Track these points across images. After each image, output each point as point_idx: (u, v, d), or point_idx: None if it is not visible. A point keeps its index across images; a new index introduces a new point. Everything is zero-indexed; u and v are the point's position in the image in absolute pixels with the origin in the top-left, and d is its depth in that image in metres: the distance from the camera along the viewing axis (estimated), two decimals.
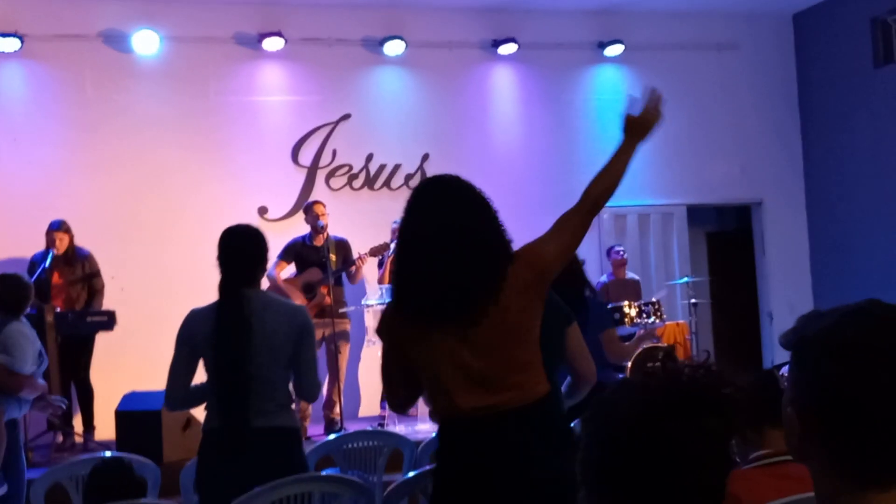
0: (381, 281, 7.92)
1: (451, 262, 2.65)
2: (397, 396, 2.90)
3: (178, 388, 3.57)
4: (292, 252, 7.62)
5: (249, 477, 3.29)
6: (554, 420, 2.83)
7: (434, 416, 2.85)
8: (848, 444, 1.28)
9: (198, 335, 3.53)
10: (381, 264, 7.96)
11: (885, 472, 1.28)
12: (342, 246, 7.70)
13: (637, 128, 2.96)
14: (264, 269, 3.71)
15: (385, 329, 2.82)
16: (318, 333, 7.28)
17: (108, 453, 4.27)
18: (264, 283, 7.10)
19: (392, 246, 7.69)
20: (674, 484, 1.34)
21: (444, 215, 2.71)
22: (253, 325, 3.46)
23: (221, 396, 3.47)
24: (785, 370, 1.39)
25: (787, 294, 10.22)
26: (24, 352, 4.41)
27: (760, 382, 2.61)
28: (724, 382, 1.39)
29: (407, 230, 2.77)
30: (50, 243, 7.35)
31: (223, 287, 3.56)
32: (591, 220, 2.87)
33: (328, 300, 7.40)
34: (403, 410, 2.99)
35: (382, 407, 7.96)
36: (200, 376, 3.66)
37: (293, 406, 3.69)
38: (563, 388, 3.36)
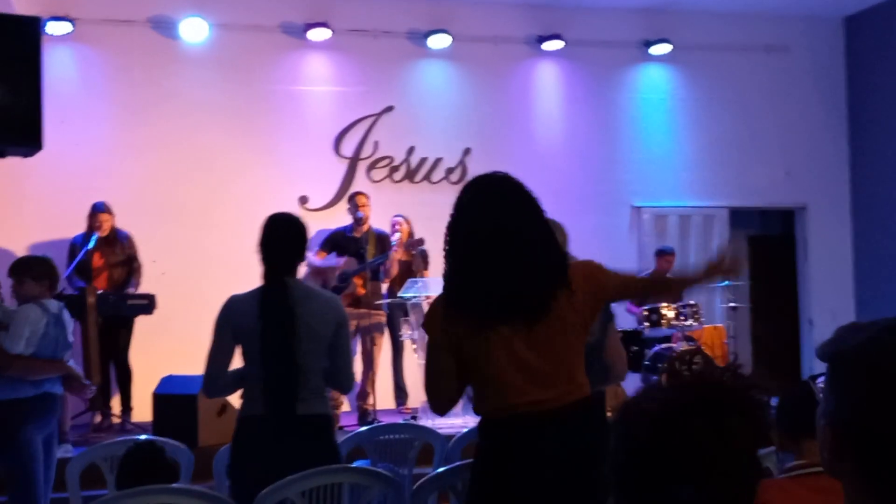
0: (387, 274, 7.85)
1: (518, 260, 2.71)
2: (444, 394, 2.86)
3: (218, 375, 3.58)
4: (332, 242, 7.65)
5: (287, 464, 3.31)
6: (602, 418, 2.85)
7: (481, 411, 2.84)
8: (881, 463, 1.26)
9: (239, 322, 3.53)
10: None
11: None
12: (381, 239, 7.71)
13: (718, 273, 3.13)
14: (303, 259, 3.73)
15: (436, 323, 2.81)
16: (352, 324, 7.32)
17: (143, 437, 4.31)
18: (302, 269, 7.16)
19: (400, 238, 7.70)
20: (697, 486, 1.31)
21: (506, 214, 2.76)
22: (297, 314, 3.48)
23: (267, 384, 3.47)
24: (821, 381, 1.36)
25: (828, 301, 10.08)
26: (18, 332, 4.43)
27: (799, 392, 2.59)
28: (751, 385, 1.37)
29: (465, 226, 2.79)
30: (93, 225, 7.44)
31: (267, 275, 3.57)
32: (644, 297, 3.18)
33: (361, 291, 7.42)
34: (446, 410, 2.93)
35: (399, 403, 7.98)
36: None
37: (327, 394, 3.70)
38: None
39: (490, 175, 2.87)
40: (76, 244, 7.47)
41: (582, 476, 2.69)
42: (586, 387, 2.81)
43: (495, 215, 2.75)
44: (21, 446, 4.41)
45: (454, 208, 2.83)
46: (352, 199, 7.88)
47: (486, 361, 2.73)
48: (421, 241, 7.58)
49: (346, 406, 7.80)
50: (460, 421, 6.62)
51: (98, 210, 7.48)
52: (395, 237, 7.80)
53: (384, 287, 7.80)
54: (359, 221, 7.64)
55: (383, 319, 7.70)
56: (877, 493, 1.27)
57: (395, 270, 7.76)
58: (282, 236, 3.61)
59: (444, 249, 2.83)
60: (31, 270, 4.64)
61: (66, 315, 4.74)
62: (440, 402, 2.88)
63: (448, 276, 2.83)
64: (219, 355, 3.57)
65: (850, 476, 1.30)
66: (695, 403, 1.34)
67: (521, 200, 2.80)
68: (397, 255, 7.63)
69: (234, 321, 3.55)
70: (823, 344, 1.36)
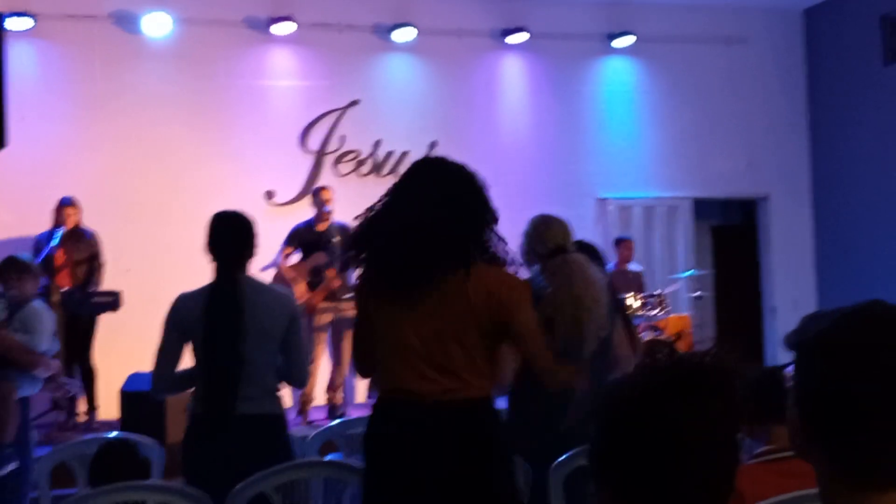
0: None
1: (414, 238, 2.72)
2: (364, 360, 3.00)
3: (165, 373, 3.55)
4: (297, 237, 7.61)
5: (233, 463, 3.29)
6: (483, 427, 2.80)
7: (376, 389, 2.93)
8: (847, 446, 1.29)
9: (187, 319, 3.52)
10: None
11: (882, 475, 1.29)
12: (345, 231, 7.70)
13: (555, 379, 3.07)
14: (252, 255, 3.69)
15: (359, 293, 2.94)
16: (327, 317, 7.30)
17: (114, 434, 4.29)
18: (270, 271, 7.12)
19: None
20: (676, 469, 1.31)
21: (426, 194, 2.79)
22: (244, 309, 3.46)
23: (208, 382, 3.46)
24: (790, 369, 1.39)
25: (791, 289, 10.23)
26: (42, 330, 4.46)
27: (766, 378, 2.63)
28: (729, 368, 1.38)
29: (388, 199, 2.86)
30: (59, 220, 7.37)
31: (217, 272, 3.57)
32: (520, 351, 2.95)
33: (336, 283, 7.42)
34: (367, 375, 3.11)
35: (370, 397, 7.99)
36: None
37: (279, 393, 3.67)
38: None
39: (425, 158, 3.01)
40: (41, 241, 7.40)
41: (447, 481, 2.70)
42: (476, 389, 2.76)
43: (408, 195, 2.80)
44: (30, 443, 4.44)
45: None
46: (317, 193, 7.83)
47: (379, 340, 2.81)
48: None
49: (318, 401, 7.78)
50: None
51: (65, 204, 7.42)
52: None
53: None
54: (324, 216, 7.62)
55: (352, 313, 7.67)
56: (846, 475, 1.30)
57: None
58: (228, 233, 3.61)
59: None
60: (31, 269, 4.65)
61: None
62: (362, 368, 3.08)
63: (362, 247, 2.90)
64: (166, 354, 3.54)
65: (821, 460, 1.33)
66: (672, 385, 1.34)
67: (444, 181, 2.82)
68: None
69: (181, 319, 3.54)
70: (789, 334, 1.39)
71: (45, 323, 4.48)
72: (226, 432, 3.42)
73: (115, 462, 3.11)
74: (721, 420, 1.34)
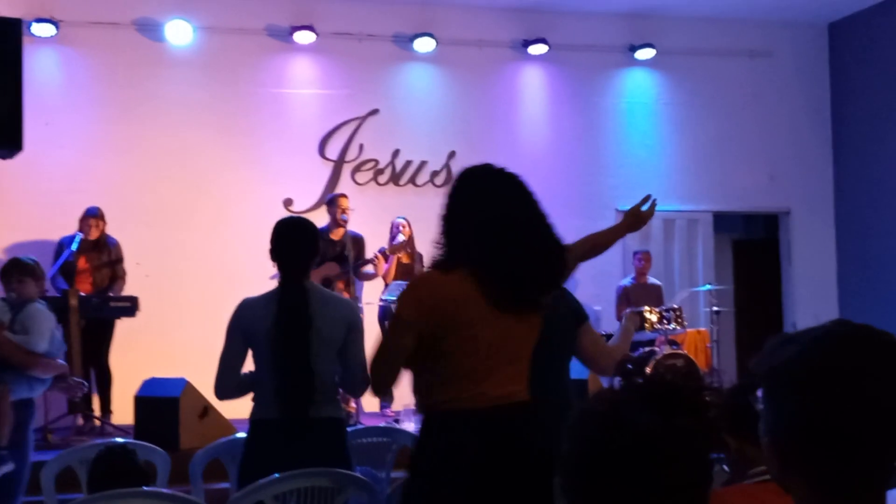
0: (386, 278, 7.90)
1: (545, 251, 2.74)
2: (391, 374, 2.80)
3: (230, 377, 3.57)
4: None
5: (299, 467, 3.31)
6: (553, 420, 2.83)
7: (445, 397, 2.71)
8: (824, 475, 1.27)
9: (252, 325, 3.52)
10: (387, 260, 7.94)
11: (861, 501, 1.27)
12: (357, 241, 7.70)
13: (636, 221, 3.50)
14: (316, 260, 3.72)
15: (414, 303, 2.72)
16: None
17: (119, 440, 4.31)
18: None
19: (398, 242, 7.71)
20: (646, 488, 1.30)
21: (531, 205, 2.77)
22: (314, 320, 3.47)
23: (281, 389, 3.46)
24: (760, 393, 1.36)
25: (812, 305, 10.12)
26: (41, 331, 4.48)
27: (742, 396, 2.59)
28: (703, 387, 1.37)
29: (473, 213, 2.74)
30: (83, 228, 7.44)
31: (284, 280, 3.57)
32: (576, 265, 3.24)
33: (346, 295, 7.43)
34: (386, 391, 2.98)
35: (383, 406, 7.99)
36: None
37: (338, 397, 3.69)
38: None
39: (497, 167, 2.83)
40: (63, 244, 7.47)
41: (546, 472, 2.67)
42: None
43: (520, 204, 2.74)
44: (28, 448, 4.45)
45: (452, 197, 2.79)
46: (333, 200, 7.80)
47: (476, 346, 2.67)
48: (407, 245, 7.63)
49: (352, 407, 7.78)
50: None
51: (90, 214, 7.48)
52: (399, 239, 7.81)
53: (368, 286, 7.82)
54: (342, 224, 7.61)
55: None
56: (825, 502, 1.28)
57: (393, 272, 7.79)
58: (296, 240, 3.61)
59: (442, 239, 2.76)
60: (34, 271, 4.68)
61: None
62: (383, 382, 2.85)
63: (447, 262, 2.74)
64: (230, 358, 3.56)
65: (798, 488, 1.31)
66: (644, 403, 1.33)
67: (531, 194, 2.81)
68: (403, 258, 7.66)
69: (246, 325, 3.54)
70: (755, 360, 1.36)
71: (42, 323, 4.49)
72: (301, 437, 3.44)
73: (112, 468, 3.11)
74: (692, 440, 1.33)
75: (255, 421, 3.57)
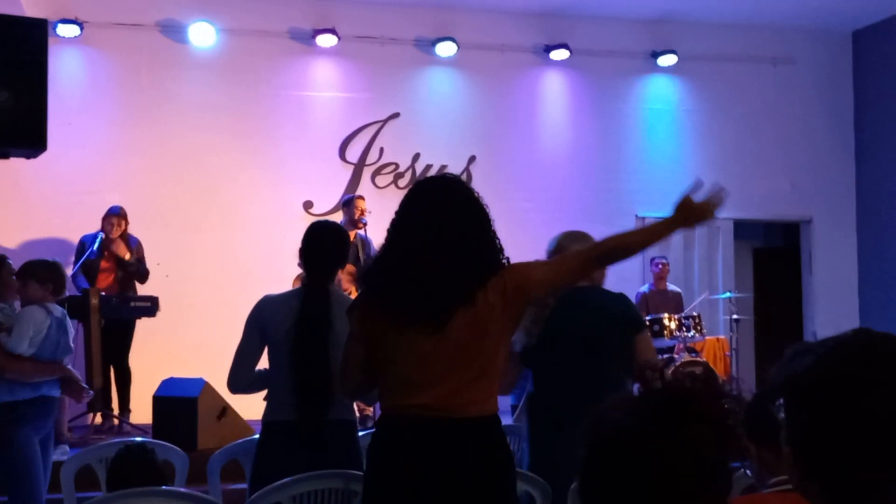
0: None
1: (432, 262, 2.68)
2: (352, 382, 2.90)
3: (245, 372, 3.57)
4: None
5: (315, 469, 3.29)
6: (497, 440, 2.78)
7: (382, 405, 2.83)
8: (843, 484, 1.26)
9: (272, 322, 3.52)
10: None
11: None
12: (366, 244, 7.67)
13: (690, 215, 2.79)
14: (343, 266, 3.75)
15: (357, 314, 2.82)
16: None
17: (138, 439, 4.32)
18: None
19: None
20: (664, 496, 1.30)
21: (436, 215, 2.74)
22: (334, 323, 3.47)
23: (300, 390, 3.46)
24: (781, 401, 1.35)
25: (833, 314, 10.06)
26: (20, 332, 4.46)
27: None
28: (720, 395, 1.36)
29: (398, 224, 2.80)
30: (105, 227, 7.48)
31: (309, 281, 3.58)
32: (591, 268, 3.03)
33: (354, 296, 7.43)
34: (355, 397, 3.08)
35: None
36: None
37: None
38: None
39: (440, 176, 2.90)
40: (85, 243, 7.51)
41: (456, 494, 2.67)
42: (489, 404, 2.75)
43: (431, 216, 2.74)
44: (18, 449, 4.43)
45: (399, 205, 2.84)
46: (350, 202, 7.77)
47: (392, 358, 2.74)
48: None
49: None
50: None
51: (113, 213, 7.52)
52: None
53: None
54: (361, 226, 7.59)
55: None
56: None
57: None
58: (326, 243, 3.62)
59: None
60: (36, 274, 4.67)
61: (69, 321, 4.79)
62: (347, 389, 3.00)
63: (372, 270, 2.85)
64: (247, 353, 3.57)
65: (818, 497, 1.30)
66: (660, 410, 1.32)
67: (464, 205, 2.77)
68: None
69: (265, 322, 3.54)
70: (776, 369, 1.35)
71: (23, 325, 4.46)
72: (317, 439, 3.44)
73: (130, 467, 3.12)
74: (709, 447, 1.32)
75: (269, 423, 3.56)
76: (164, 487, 3.01)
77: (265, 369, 3.62)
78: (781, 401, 1.33)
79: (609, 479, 1.33)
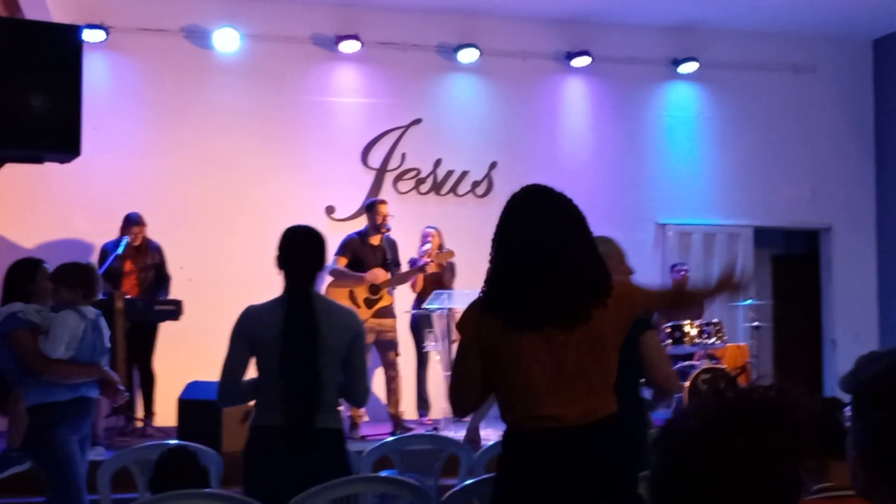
0: (415, 288, 7.92)
1: (556, 270, 2.73)
2: (467, 397, 2.88)
3: (233, 384, 3.55)
4: (350, 248, 7.46)
5: (301, 476, 3.31)
6: (624, 438, 2.84)
7: (507, 419, 2.84)
8: None
9: (258, 332, 3.51)
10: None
11: None
12: (393, 246, 7.66)
13: (727, 288, 3.14)
14: (322, 269, 3.71)
15: (470, 327, 2.82)
16: (370, 337, 7.20)
17: (174, 442, 4.36)
18: (327, 278, 7.07)
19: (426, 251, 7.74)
20: (738, 503, 1.31)
21: (550, 224, 2.78)
22: (320, 328, 3.47)
23: (287, 397, 3.45)
24: (848, 410, 1.38)
25: (852, 322, 10.05)
26: (55, 336, 4.51)
27: (823, 413, 2.58)
28: (795, 403, 1.37)
29: (509, 234, 2.82)
30: (126, 233, 7.53)
31: (291, 288, 3.56)
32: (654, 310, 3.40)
33: (389, 300, 7.47)
34: (467, 413, 2.99)
35: (421, 414, 8.04)
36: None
37: (339, 408, 3.68)
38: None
39: (541, 187, 2.90)
40: (107, 250, 7.56)
41: (598, 496, 2.70)
42: (613, 404, 2.82)
43: (540, 225, 2.77)
44: (56, 449, 4.47)
45: (501, 216, 2.86)
46: (373, 206, 7.68)
47: (516, 369, 2.74)
48: (451, 254, 7.67)
49: (365, 417, 7.81)
50: (483, 434, 6.64)
51: (131, 221, 7.56)
52: (426, 248, 7.82)
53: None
54: (385, 230, 7.58)
55: (395, 336, 7.68)
56: None
57: (421, 282, 7.81)
58: (304, 249, 3.60)
59: (490, 256, 2.85)
60: (67, 278, 4.72)
61: (103, 321, 4.81)
62: (461, 406, 2.94)
63: (488, 282, 2.84)
64: (234, 365, 3.54)
65: (887, 501, 1.32)
66: (737, 419, 1.32)
67: (567, 213, 2.83)
68: (430, 267, 7.67)
69: (251, 332, 3.53)
70: (845, 376, 1.38)
71: (58, 329, 4.51)
72: (305, 446, 3.44)
73: (175, 469, 3.16)
74: (786, 457, 1.32)
75: (258, 427, 3.55)
76: (211, 490, 3.04)
77: (253, 379, 3.60)
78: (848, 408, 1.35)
79: (685, 486, 1.33)
